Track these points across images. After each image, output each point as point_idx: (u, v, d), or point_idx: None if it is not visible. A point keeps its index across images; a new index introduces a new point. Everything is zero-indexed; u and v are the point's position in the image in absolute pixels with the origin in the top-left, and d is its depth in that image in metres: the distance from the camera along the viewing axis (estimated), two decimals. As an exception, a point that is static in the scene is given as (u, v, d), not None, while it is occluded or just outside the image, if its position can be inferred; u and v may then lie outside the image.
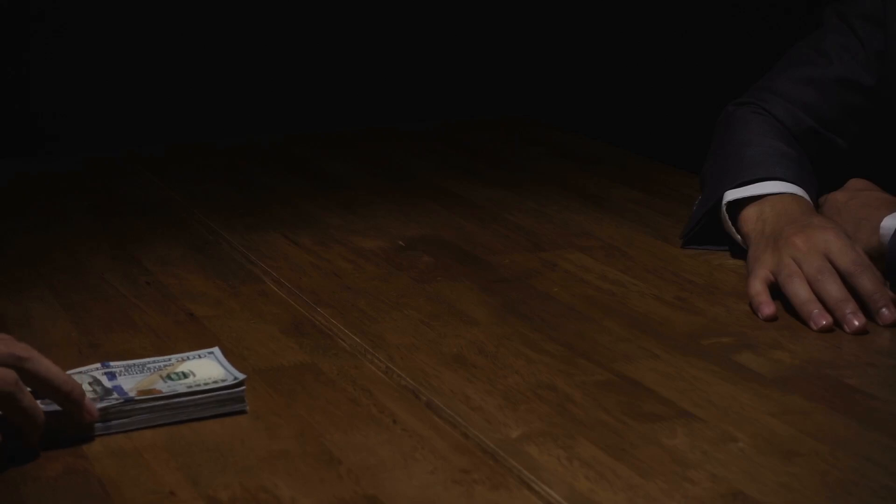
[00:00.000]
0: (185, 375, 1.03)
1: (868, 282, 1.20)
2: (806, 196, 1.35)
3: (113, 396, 0.99)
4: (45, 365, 0.94)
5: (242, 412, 1.02)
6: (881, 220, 1.29)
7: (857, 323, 1.16)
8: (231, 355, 1.11)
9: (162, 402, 1.00)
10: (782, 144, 1.43)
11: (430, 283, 1.32)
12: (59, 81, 2.33)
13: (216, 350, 1.08)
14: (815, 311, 1.18)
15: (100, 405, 0.98)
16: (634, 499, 0.87)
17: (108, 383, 1.01)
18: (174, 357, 1.07)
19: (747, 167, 1.39)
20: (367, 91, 2.53)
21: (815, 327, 1.17)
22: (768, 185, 1.36)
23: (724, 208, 1.37)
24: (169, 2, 2.39)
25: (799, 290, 1.20)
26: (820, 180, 1.47)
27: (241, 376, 1.03)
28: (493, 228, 1.51)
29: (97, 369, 1.03)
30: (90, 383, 1.01)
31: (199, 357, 1.07)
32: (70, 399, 0.94)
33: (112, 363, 1.05)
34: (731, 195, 1.36)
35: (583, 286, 1.30)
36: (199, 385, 1.02)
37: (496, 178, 1.76)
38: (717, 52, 2.67)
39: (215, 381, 1.02)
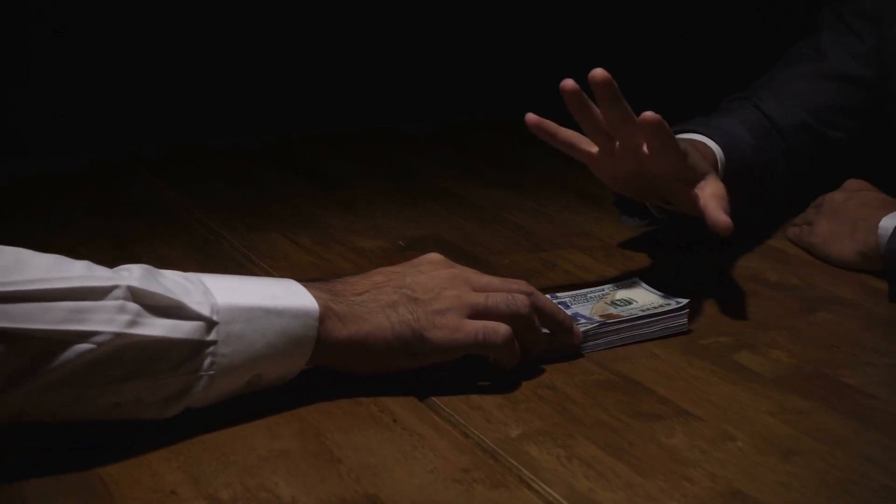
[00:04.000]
0: (628, 302, 1.17)
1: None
2: (718, 152, 1.33)
3: (583, 322, 1.12)
4: (543, 298, 1.09)
5: (686, 332, 1.16)
6: (879, 220, 1.30)
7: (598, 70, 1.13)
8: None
9: (627, 325, 1.14)
10: (739, 127, 1.41)
11: (430, 282, 1.32)
12: (59, 81, 2.33)
13: (637, 279, 1.22)
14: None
15: (583, 329, 1.11)
16: (634, 498, 0.87)
17: (567, 311, 1.14)
18: (605, 287, 1.21)
19: (679, 126, 1.38)
20: (367, 91, 2.53)
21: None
22: (685, 136, 1.35)
23: None
24: (169, 2, 2.39)
25: None
26: (817, 178, 1.47)
27: (684, 300, 1.16)
28: (493, 228, 1.52)
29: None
30: None
31: (627, 287, 1.21)
32: (563, 326, 1.09)
33: (558, 294, 1.19)
34: None
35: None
36: (648, 309, 1.15)
37: (496, 178, 1.76)
38: (718, 52, 2.68)
39: (661, 305, 1.16)
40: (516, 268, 1.36)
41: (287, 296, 0.98)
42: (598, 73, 1.12)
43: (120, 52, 2.36)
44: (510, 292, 1.06)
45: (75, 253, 1.41)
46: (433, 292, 1.03)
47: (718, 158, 1.33)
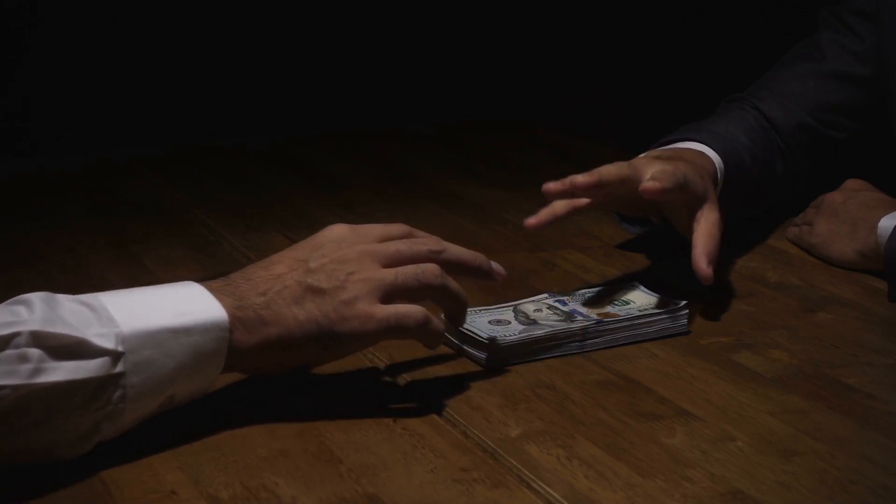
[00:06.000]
0: (626, 303, 1.17)
1: (657, 168, 1.19)
2: (717, 162, 1.34)
3: (580, 319, 1.13)
4: (455, 250, 1.05)
5: (686, 333, 1.16)
6: (879, 220, 1.30)
7: (579, 178, 1.15)
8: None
9: (625, 324, 1.14)
10: (737, 132, 1.42)
11: (430, 282, 1.32)
12: (59, 81, 2.33)
13: (636, 282, 1.21)
14: (558, 181, 1.16)
15: (581, 325, 1.12)
16: (633, 498, 0.87)
17: (564, 308, 1.16)
18: (604, 288, 1.21)
19: (677, 133, 1.38)
20: (367, 91, 2.53)
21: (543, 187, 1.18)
22: (684, 144, 1.35)
23: None
24: (169, 2, 2.39)
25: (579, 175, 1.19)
26: (817, 178, 1.47)
27: (683, 302, 1.16)
28: (493, 228, 1.52)
29: (546, 298, 1.18)
30: (548, 307, 1.16)
31: (626, 289, 1.20)
32: (481, 269, 1.06)
33: (556, 293, 1.19)
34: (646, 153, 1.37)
35: (582, 286, 1.30)
36: (645, 310, 1.15)
37: (496, 178, 1.76)
38: (718, 55, 2.68)
39: (658, 307, 1.16)
40: (516, 268, 1.36)
41: (194, 310, 0.94)
42: (579, 180, 1.15)
43: (121, 53, 2.36)
44: (419, 257, 1.02)
45: (75, 253, 1.42)
46: (338, 280, 0.98)
47: (718, 168, 1.33)
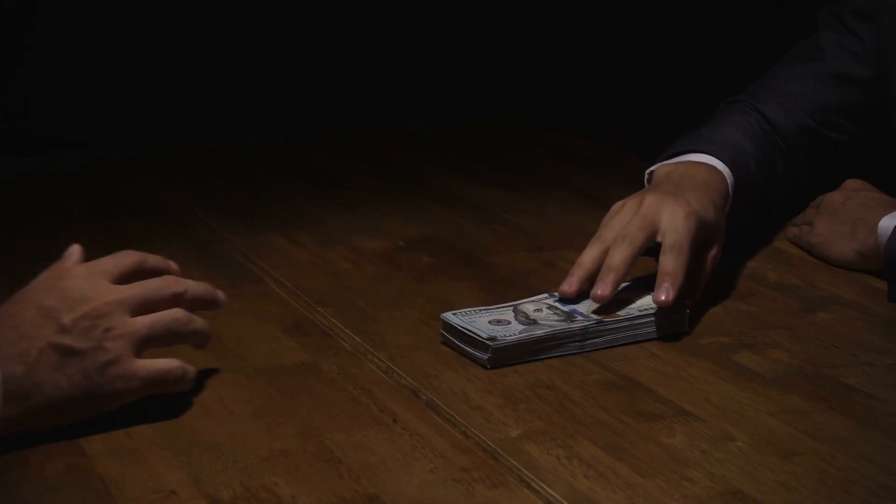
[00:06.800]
0: (626, 303, 1.17)
1: (669, 263, 1.18)
2: (728, 175, 1.34)
3: (579, 319, 1.14)
4: (193, 288, 1.06)
5: (686, 333, 1.17)
6: (879, 220, 1.30)
7: (598, 292, 1.15)
8: (232, 355, 1.12)
9: (625, 324, 1.14)
10: (742, 137, 1.42)
11: (430, 283, 1.32)
12: (59, 81, 2.33)
13: (637, 282, 1.22)
14: (572, 276, 1.18)
15: (581, 325, 1.13)
16: (633, 497, 0.87)
17: (565, 308, 1.16)
18: None
19: (684, 142, 1.39)
20: (367, 91, 2.53)
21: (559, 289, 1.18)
22: (694, 157, 1.36)
23: (646, 177, 1.37)
24: (169, 2, 2.39)
25: (586, 252, 1.20)
26: (816, 178, 1.47)
27: (683, 301, 1.17)
28: (493, 228, 1.52)
29: (546, 298, 1.19)
30: (548, 307, 1.16)
31: (627, 288, 1.20)
32: (213, 301, 1.08)
33: (557, 293, 1.19)
34: (657, 166, 1.37)
35: (582, 286, 1.30)
36: (646, 310, 1.16)
37: (496, 178, 1.76)
38: (718, 55, 2.68)
39: (656, 307, 1.16)
40: (516, 268, 1.36)
41: None
42: (598, 294, 1.16)
43: (121, 53, 2.36)
44: (165, 301, 1.03)
45: (75, 253, 1.42)
46: (95, 339, 0.97)
47: (728, 183, 1.33)
